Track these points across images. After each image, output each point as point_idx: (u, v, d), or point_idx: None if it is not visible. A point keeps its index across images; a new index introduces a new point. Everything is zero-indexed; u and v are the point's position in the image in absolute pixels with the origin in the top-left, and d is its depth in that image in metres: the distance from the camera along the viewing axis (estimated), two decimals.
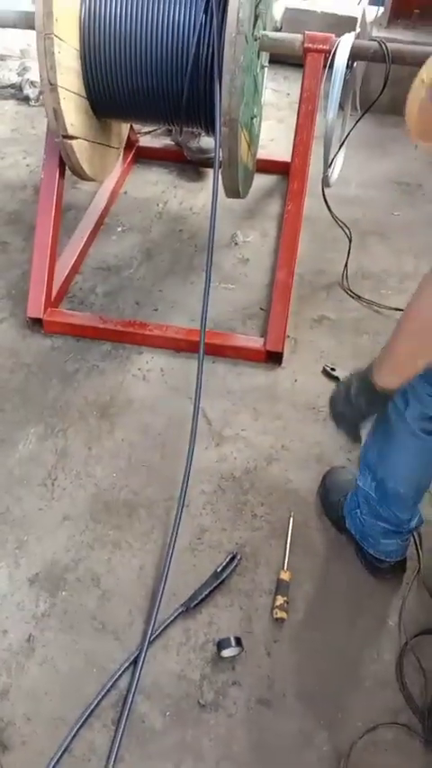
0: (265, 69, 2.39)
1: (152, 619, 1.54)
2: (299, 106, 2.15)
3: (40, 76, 1.82)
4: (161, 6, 1.95)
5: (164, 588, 1.60)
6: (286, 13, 3.91)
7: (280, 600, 1.60)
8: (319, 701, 1.47)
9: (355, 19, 3.90)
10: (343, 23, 3.85)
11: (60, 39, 1.83)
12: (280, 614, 1.58)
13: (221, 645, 1.50)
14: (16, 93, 3.64)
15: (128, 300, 2.45)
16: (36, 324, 2.27)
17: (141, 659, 1.48)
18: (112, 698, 1.45)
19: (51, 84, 1.82)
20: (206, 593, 1.61)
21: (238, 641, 1.51)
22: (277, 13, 3.88)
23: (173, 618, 1.57)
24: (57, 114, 1.88)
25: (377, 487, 1.52)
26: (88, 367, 2.19)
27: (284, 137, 3.39)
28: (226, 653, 1.50)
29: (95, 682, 1.47)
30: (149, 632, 1.52)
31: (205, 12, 1.89)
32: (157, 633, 1.54)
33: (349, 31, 2.07)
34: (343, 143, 2.24)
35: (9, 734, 1.40)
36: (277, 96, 3.76)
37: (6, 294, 2.42)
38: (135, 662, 1.49)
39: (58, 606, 1.60)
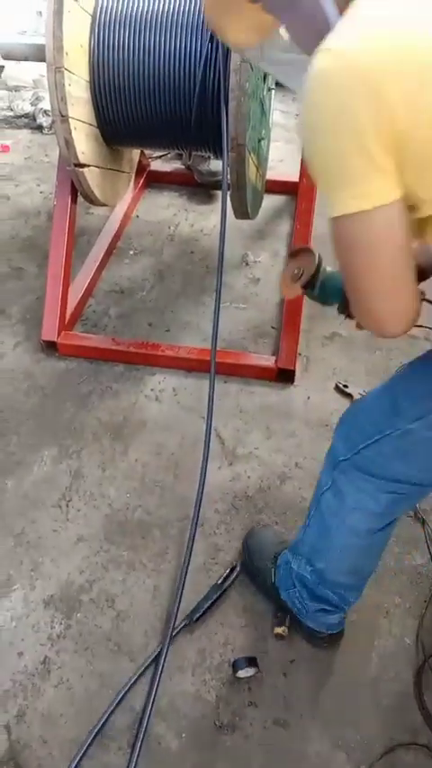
0: (272, 92, 2.42)
1: (166, 639, 1.54)
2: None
3: (51, 108, 1.87)
4: (168, 35, 2.00)
5: (178, 609, 1.60)
6: None
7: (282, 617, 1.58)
8: (336, 723, 1.45)
9: None
10: None
11: (70, 71, 1.88)
12: (278, 630, 1.57)
13: (237, 665, 1.50)
14: (30, 122, 3.73)
15: (141, 322, 2.48)
16: (50, 347, 2.30)
17: (157, 680, 1.48)
18: (127, 719, 1.45)
19: (62, 116, 1.87)
20: (208, 605, 1.61)
21: (254, 662, 1.50)
22: (284, 33, 3.93)
23: (178, 630, 1.57)
24: (68, 144, 1.93)
25: (313, 572, 1.43)
26: (102, 389, 2.22)
27: (293, 157, 3.43)
28: (242, 673, 1.49)
29: (109, 702, 1.46)
30: (165, 652, 1.52)
31: (211, 40, 1.94)
32: (164, 647, 1.53)
33: None
34: None
35: (25, 757, 1.40)
36: (285, 117, 3.82)
37: (21, 319, 2.46)
38: (150, 681, 1.48)
39: (73, 628, 1.60)
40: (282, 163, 3.34)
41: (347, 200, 0.85)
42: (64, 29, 1.83)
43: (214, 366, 2.00)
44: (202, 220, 3.00)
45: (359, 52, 0.78)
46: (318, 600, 1.47)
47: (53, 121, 3.48)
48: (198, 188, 3.14)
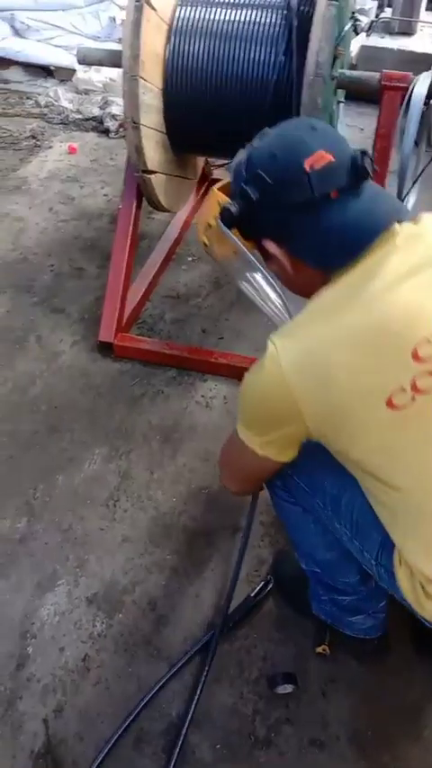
0: (341, 105, 2.41)
1: (211, 651, 1.54)
2: (375, 142, 2.16)
3: (125, 115, 1.90)
4: (243, 46, 2.02)
5: (225, 620, 1.58)
6: (363, 50, 3.95)
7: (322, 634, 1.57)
8: (373, 748, 1.43)
9: None
10: (420, 60, 3.87)
11: (145, 80, 1.91)
12: (319, 649, 1.55)
13: (275, 681, 1.49)
14: (97, 125, 3.81)
15: (195, 328, 2.50)
16: (106, 348, 2.34)
17: (199, 690, 1.48)
18: (163, 725, 1.45)
19: (135, 123, 1.90)
20: (240, 617, 1.61)
21: (293, 678, 1.49)
22: (352, 49, 3.93)
23: (206, 640, 1.56)
24: (138, 151, 1.96)
25: (311, 563, 1.46)
26: (154, 392, 2.24)
27: None
28: (280, 689, 1.48)
29: (148, 707, 1.47)
30: (209, 662, 1.52)
31: (285, 53, 1.94)
32: (188, 656, 1.53)
33: (426, 69, 2.08)
34: (417, 179, 2.23)
35: (61, 752, 1.42)
36: (350, 131, 3.78)
37: (80, 318, 2.50)
38: (192, 690, 1.49)
39: (114, 628, 1.62)
40: None
41: (253, 437, 1.14)
42: (141, 38, 1.86)
43: None
44: None
45: (291, 374, 1.02)
46: (334, 591, 1.46)
47: (120, 125, 3.55)
48: None
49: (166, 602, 1.67)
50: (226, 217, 1.11)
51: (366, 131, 3.85)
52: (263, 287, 1.18)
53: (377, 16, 4.17)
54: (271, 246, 1.11)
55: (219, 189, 1.22)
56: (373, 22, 3.10)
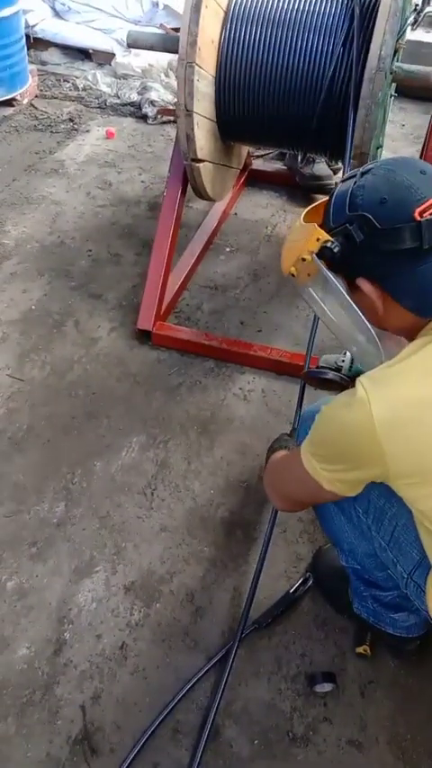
0: (392, 99, 2.37)
1: (235, 642, 1.52)
2: (428, 141, 2.12)
3: (178, 102, 1.88)
4: (299, 35, 1.98)
5: (247, 613, 1.57)
6: (408, 45, 3.88)
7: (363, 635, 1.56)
8: (412, 753, 1.42)
9: None
10: None
11: (200, 67, 1.88)
12: (359, 649, 1.54)
13: (314, 679, 1.48)
14: (135, 110, 3.79)
15: (233, 320, 2.48)
16: (145, 335, 2.33)
17: (223, 682, 1.47)
18: (198, 717, 1.44)
19: (188, 111, 1.88)
20: (277, 613, 1.60)
21: (332, 677, 1.48)
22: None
23: (246, 634, 1.56)
24: (189, 139, 1.94)
25: (352, 560, 1.44)
26: (191, 382, 2.23)
27: None
28: (318, 688, 1.47)
29: (185, 699, 1.47)
30: (232, 656, 1.51)
31: (344, 44, 1.91)
32: (232, 650, 1.52)
33: None
34: None
35: (98, 739, 1.42)
36: (391, 127, 3.72)
37: (117, 305, 2.49)
38: (215, 684, 1.48)
39: (151, 617, 1.61)
40: None
41: (323, 471, 1.12)
42: (199, 24, 1.84)
43: (308, 364, 1.97)
44: None
45: (382, 427, 1.01)
46: (370, 585, 1.46)
47: (163, 114, 3.52)
48: (297, 189, 3.12)
49: (204, 594, 1.66)
50: (326, 255, 1.08)
51: (407, 127, 3.81)
52: (345, 320, 1.14)
53: (422, 10, 4.09)
54: (365, 285, 1.09)
55: (307, 216, 1.17)
56: (419, 15, 3.05)
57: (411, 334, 1.11)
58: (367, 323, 1.12)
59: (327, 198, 1.15)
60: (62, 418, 2.07)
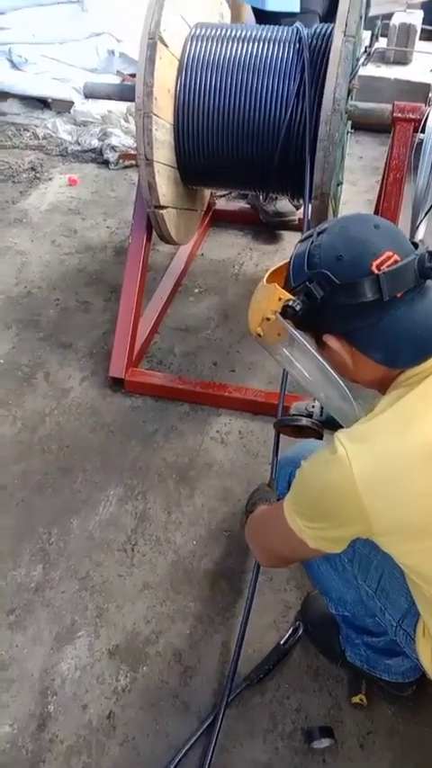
0: (349, 135, 2.41)
1: (222, 703, 1.46)
2: (387, 174, 2.15)
3: (138, 152, 1.88)
4: (254, 81, 2.00)
5: (234, 671, 1.51)
6: (360, 80, 3.98)
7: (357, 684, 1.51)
8: None
9: (429, 86, 3.96)
10: (417, 90, 3.91)
11: (158, 116, 1.89)
12: (355, 699, 1.49)
13: (311, 735, 1.43)
14: (96, 156, 3.79)
15: (205, 361, 2.46)
16: (117, 383, 2.29)
17: (212, 746, 1.41)
18: None
19: (147, 160, 1.88)
20: (270, 666, 1.55)
21: (330, 732, 1.43)
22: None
23: (238, 692, 1.50)
24: (151, 187, 1.94)
25: (341, 608, 1.42)
26: (167, 428, 2.19)
27: (358, 199, 3.43)
28: (316, 744, 1.42)
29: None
30: (220, 717, 1.45)
31: (298, 88, 1.93)
32: (220, 711, 1.46)
33: (423, 97, 2.09)
34: (430, 209, 2.22)
35: None
36: (349, 159, 3.76)
37: (88, 353, 2.46)
38: (204, 749, 1.41)
39: (139, 682, 1.55)
40: (345, 205, 3.30)
41: (307, 529, 1.09)
42: (155, 75, 1.85)
43: (282, 411, 1.95)
44: (267, 260, 2.99)
45: (363, 485, 0.99)
46: (362, 632, 1.43)
47: (125, 159, 3.54)
48: (262, 227, 3.13)
49: (192, 652, 1.60)
50: (289, 314, 1.08)
51: (365, 159, 3.87)
52: (318, 376, 1.14)
53: (370, 45, 4.21)
54: (332, 341, 1.09)
55: (269, 278, 1.19)
56: (368, 51, 3.13)
57: (383, 387, 1.10)
58: (339, 379, 1.12)
59: (286, 261, 1.15)
60: (35, 475, 2.02)
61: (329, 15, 2.73)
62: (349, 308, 1.04)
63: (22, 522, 1.88)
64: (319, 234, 1.09)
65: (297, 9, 2.57)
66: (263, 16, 2.65)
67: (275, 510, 1.18)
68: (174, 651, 1.60)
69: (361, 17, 2.00)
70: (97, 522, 1.89)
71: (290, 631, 1.61)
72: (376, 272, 1.01)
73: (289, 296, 1.10)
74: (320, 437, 1.48)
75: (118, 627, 1.65)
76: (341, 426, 1.22)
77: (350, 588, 1.34)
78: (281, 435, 1.63)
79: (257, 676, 1.53)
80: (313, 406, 1.54)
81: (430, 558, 1.06)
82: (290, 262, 1.13)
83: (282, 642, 1.59)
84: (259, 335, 1.18)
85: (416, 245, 1.07)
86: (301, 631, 1.62)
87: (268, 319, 1.13)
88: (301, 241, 1.13)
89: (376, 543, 1.09)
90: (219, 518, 1.91)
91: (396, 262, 1.01)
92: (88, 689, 1.54)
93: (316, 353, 1.14)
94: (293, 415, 1.53)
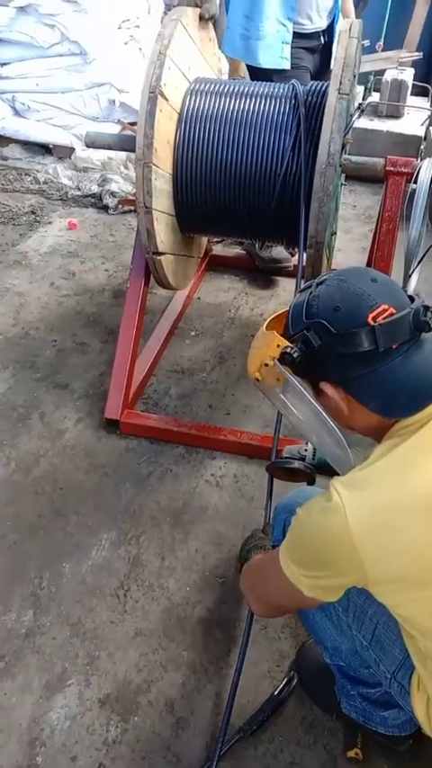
0: (343, 187, 2.48)
1: (215, 757, 1.42)
2: (379, 225, 2.20)
3: (137, 200, 1.93)
4: (252, 133, 2.08)
5: (227, 724, 1.47)
6: (354, 132, 4.10)
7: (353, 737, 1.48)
8: None
9: (420, 138, 4.08)
10: (408, 142, 4.03)
11: (157, 166, 1.95)
12: (351, 753, 1.46)
13: None
14: (96, 202, 3.88)
15: (201, 404, 2.47)
16: (112, 425, 2.30)
17: None
18: None
19: (147, 208, 1.93)
20: (263, 718, 1.52)
21: None
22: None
23: (230, 745, 1.47)
24: (149, 234, 1.98)
25: (336, 657, 1.40)
26: (162, 470, 2.19)
27: (352, 247, 3.50)
28: None
29: None
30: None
31: (294, 141, 2.00)
32: (213, 763, 1.42)
33: (414, 149, 2.16)
34: (421, 260, 2.27)
35: None
36: (343, 208, 3.88)
37: (84, 395, 2.47)
38: None
39: (129, 733, 1.52)
40: (340, 252, 3.38)
41: (303, 578, 1.09)
42: (155, 127, 1.91)
43: (275, 454, 1.96)
44: (263, 304, 3.03)
45: (359, 534, 1.00)
46: (361, 683, 1.40)
47: (124, 205, 3.62)
48: (258, 273, 3.19)
49: (184, 702, 1.57)
50: (287, 360, 1.11)
51: (359, 208, 3.97)
52: (314, 422, 1.17)
53: (364, 99, 4.36)
54: (328, 389, 1.11)
55: (269, 325, 1.22)
56: (362, 105, 3.23)
57: (379, 436, 1.11)
58: (334, 426, 1.13)
59: (286, 309, 1.19)
60: (28, 517, 2.00)
61: (321, 71, 2.85)
62: (345, 358, 1.06)
63: (13, 565, 1.86)
64: (318, 285, 1.13)
65: (288, 67, 2.68)
66: (256, 73, 2.76)
67: (271, 558, 1.18)
68: (166, 701, 1.57)
69: (354, 75, 2.08)
70: (90, 567, 1.87)
71: (284, 681, 1.59)
72: (372, 323, 1.03)
73: (287, 343, 1.12)
74: (313, 480, 1.49)
75: (109, 675, 1.62)
76: (333, 470, 1.23)
77: (345, 638, 1.32)
78: (275, 480, 1.63)
79: (251, 728, 1.50)
80: (306, 450, 1.55)
81: (426, 608, 1.06)
82: (289, 310, 1.16)
83: (276, 692, 1.57)
84: (258, 380, 1.20)
85: (412, 299, 1.09)
86: (295, 681, 1.59)
87: (267, 365, 1.15)
88: (301, 291, 1.17)
89: (372, 594, 1.08)
90: (213, 564, 1.89)
91: (392, 314, 1.04)
92: (78, 740, 1.50)
93: (312, 400, 1.16)
94: (286, 457, 1.54)
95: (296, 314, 1.13)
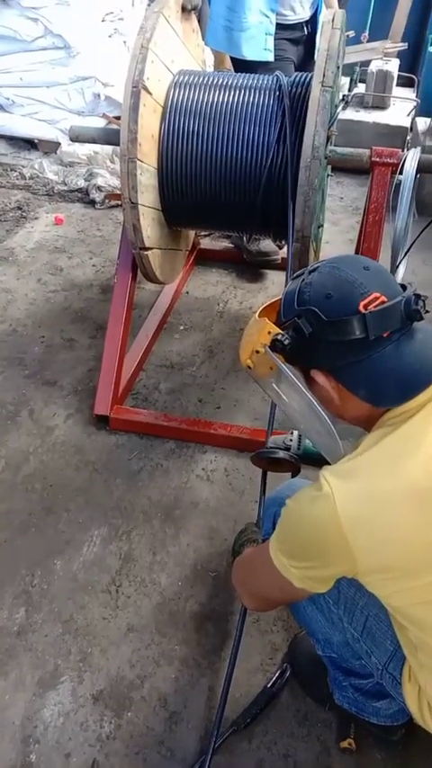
0: (329, 178, 2.47)
1: (209, 750, 1.42)
2: (366, 216, 2.20)
3: (123, 196, 1.92)
4: (236, 126, 2.06)
5: (221, 717, 1.47)
6: (339, 123, 4.10)
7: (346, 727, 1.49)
8: None
9: (406, 129, 4.09)
10: (394, 133, 4.04)
11: (142, 161, 1.93)
12: (344, 744, 1.47)
13: None
14: (83, 196, 3.85)
15: (191, 398, 2.47)
16: (102, 421, 2.29)
17: None
18: None
19: (132, 203, 1.91)
20: (256, 711, 1.52)
21: None
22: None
23: (224, 738, 1.47)
24: (136, 229, 1.97)
25: (328, 649, 1.41)
26: (152, 465, 2.19)
27: (339, 239, 3.50)
28: None
29: None
30: (207, 762, 1.41)
31: (279, 134, 1.99)
32: (207, 758, 1.42)
33: (401, 140, 2.16)
34: (408, 250, 2.27)
35: None
36: (330, 200, 3.87)
37: (73, 391, 2.46)
38: None
39: (123, 728, 1.52)
40: (328, 244, 3.38)
41: (292, 569, 1.09)
42: (139, 122, 1.90)
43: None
44: (251, 298, 3.03)
45: (348, 523, 1.00)
46: (352, 674, 1.41)
47: (106, 197, 3.60)
48: (246, 266, 3.19)
49: (178, 697, 1.58)
50: (278, 348, 1.11)
51: (346, 200, 3.97)
52: (305, 411, 1.16)
53: (350, 90, 4.36)
54: (319, 377, 1.11)
55: (262, 313, 1.22)
56: (347, 97, 3.23)
57: (369, 425, 1.11)
58: (324, 415, 1.13)
59: (279, 297, 1.18)
60: (19, 515, 2.00)
61: (305, 62, 2.84)
62: (336, 345, 1.06)
63: (4, 563, 1.86)
64: (310, 272, 1.12)
65: (271, 59, 2.67)
66: (240, 65, 2.75)
67: (261, 550, 1.18)
68: (159, 696, 1.57)
69: (338, 67, 2.07)
70: (81, 564, 1.87)
71: (277, 674, 1.59)
72: (363, 311, 1.03)
73: (279, 330, 1.12)
74: (297, 470, 1.49)
75: (102, 671, 1.62)
76: (318, 461, 1.24)
77: (336, 630, 1.33)
78: (269, 474, 1.63)
79: (245, 721, 1.51)
80: (291, 440, 1.55)
81: (416, 597, 1.06)
82: (281, 298, 1.16)
83: (269, 685, 1.57)
84: (249, 368, 1.19)
85: (404, 288, 1.09)
86: (288, 673, 1.60)
87: (258, 352, 1.15)
88: (293, 278, 1.16)
89: (363, 584, 1.09)
90: (204, 558, 1.89)
91: (383, 303, 1.04)
92: (71, 736, 1.50)
93: (303, 388, 1.15)
94: (270, 447, 1.54)
95: (288, 301, 1.13)
